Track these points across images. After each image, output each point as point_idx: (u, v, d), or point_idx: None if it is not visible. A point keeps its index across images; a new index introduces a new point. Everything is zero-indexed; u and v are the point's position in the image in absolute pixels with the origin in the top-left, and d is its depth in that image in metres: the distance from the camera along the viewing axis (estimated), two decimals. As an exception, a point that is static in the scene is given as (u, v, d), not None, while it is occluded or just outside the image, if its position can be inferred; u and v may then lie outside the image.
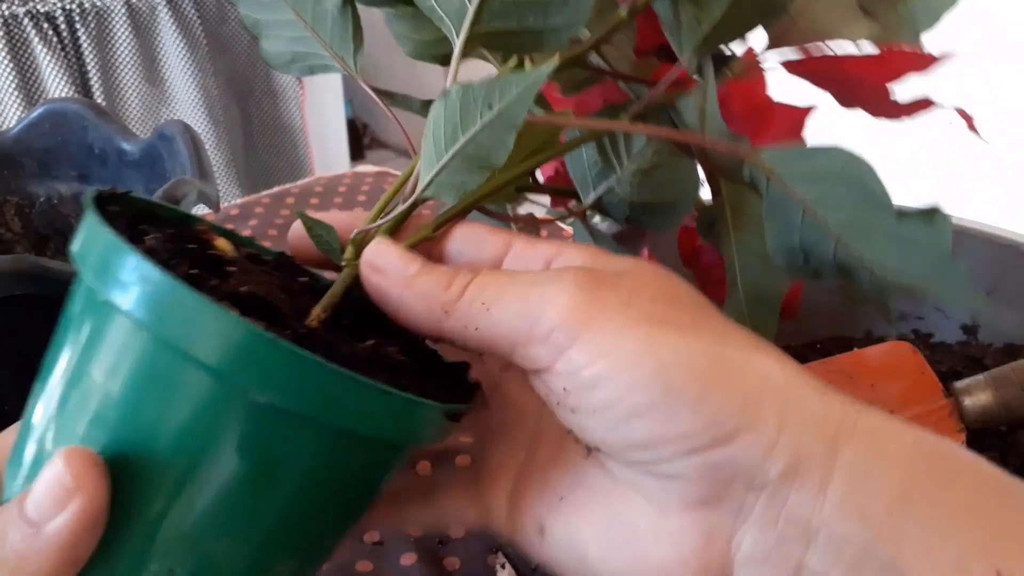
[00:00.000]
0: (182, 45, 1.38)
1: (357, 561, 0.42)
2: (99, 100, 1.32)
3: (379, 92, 0.30)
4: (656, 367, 0.20)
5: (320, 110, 1.71)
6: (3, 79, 1.24)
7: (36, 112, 0.48)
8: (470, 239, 0.25)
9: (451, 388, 0.25)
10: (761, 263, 0.28)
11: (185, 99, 1.40)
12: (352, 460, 0.22)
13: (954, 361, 0.50)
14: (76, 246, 0.22)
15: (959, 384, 0.42)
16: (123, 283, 0.20)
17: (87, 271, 0.21)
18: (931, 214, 0.22)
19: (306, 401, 0.20)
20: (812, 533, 0.19)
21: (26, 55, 1.26)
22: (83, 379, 0.21)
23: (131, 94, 1.36)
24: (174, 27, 1.36)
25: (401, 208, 0.25)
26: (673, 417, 0.20)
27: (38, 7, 1.25)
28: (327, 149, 1.76)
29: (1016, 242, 0.48)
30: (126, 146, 0.47)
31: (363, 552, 0.43)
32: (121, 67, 1.34)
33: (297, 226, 0.25)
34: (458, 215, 0.25)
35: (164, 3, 1.35)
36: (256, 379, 0.19)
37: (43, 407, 0.22)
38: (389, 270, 0.23)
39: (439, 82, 0.24)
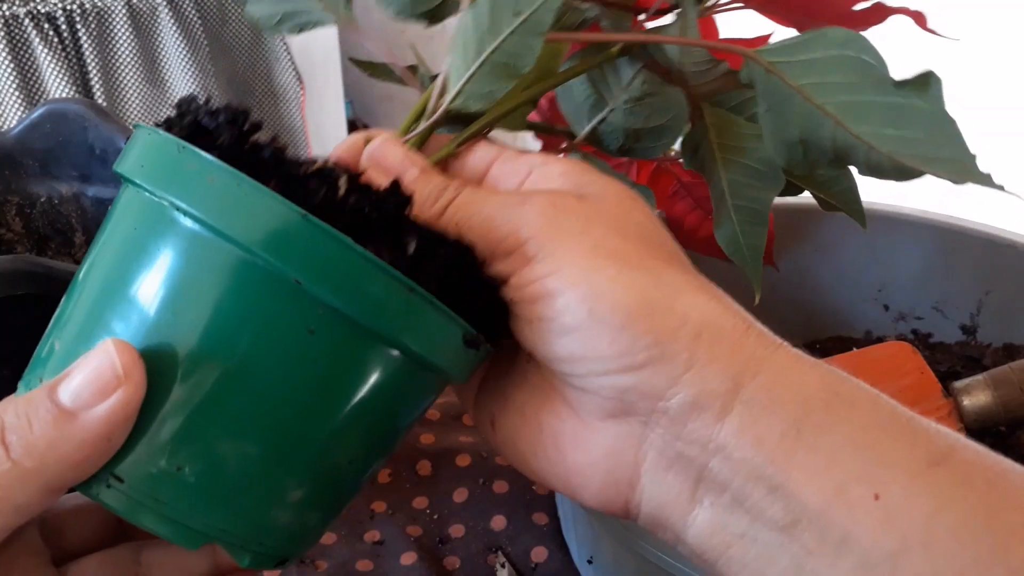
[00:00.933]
0: (183, 46, 1.37)
1: (357, 560, 0.42)
2: (100, 100, 1.32)
3: (359, 63, 0.32)
4: (588, 294, 0.22)
5: (320, 110, 1.71)
6: (4, 79, 1.24)
7: (37, 112, 0.48)
8: (479, 153, 0.27)
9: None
10: (748, 177, 0.31)
11: (186, 99, 1.40)
12: (372, 370, 0.23)
13: (953, 361, 0.50)
14: (127, 159, 0.23)
15: (958, 384, 0.42)
16: (187, 183, 0.21)
17: (143, 177, 0.22)
18: (924, 79, 0.24)
19: (338, 291, 0.21)
20: (710, 453, 0.22)
21: (27, 55, 1.26)
22: (125, 277, 0.22)
23: (132, 94, 1.36)
24: (175, 28, 1.36)
25: (424, 125, 0.27)
26: (594, 341, 0.22)
27: (39, 7, 1.25)
28: (327, 149, 1.75)
29: (1016, 242, 0.48)
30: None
31: (363, 551, 0.43)
32: (122, 67, 1.34)
33: (343, 145, 0.27)
34: (476, 134, 0.27)
35: (165, 4, 1.35)
36: (298, 264, 0.21)
37: (79, 305, 0.23)
38: (390, 169, 0.25)
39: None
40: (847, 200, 0.34)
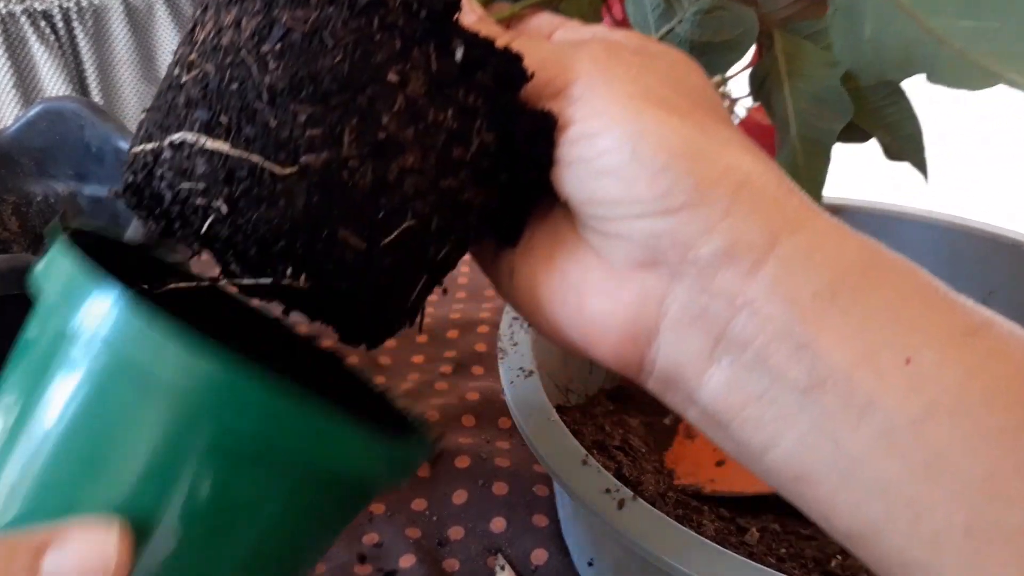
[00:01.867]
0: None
1: (355, 564, 0.42)
2: (96, 98, 1.31)
3: None
4: (632, 134, 0.22)
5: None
6: (0, 77, 1.23)
7: (33, 111, 0.48)
8: (543, 18, 0.28)
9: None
10: (814, 106, 0.30)
11: (183, 97, 1.40)
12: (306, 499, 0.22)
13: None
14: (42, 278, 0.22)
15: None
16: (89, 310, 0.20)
17: (53, 300, 0.21)
18: None
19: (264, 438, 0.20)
20: (736, 308, 0.21)
21: (23, 53, 1.25)
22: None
23: (128, 92, 1.36)
24: (171, 24, 1.36)
25: None
26: (633, 182, 0.22)
27: (35, 5, 1.24)
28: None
29: (1020, 241, 0.48)
30: (123, 145, 0.47)
31: (362, 554, 0.43)
32: (118, 65, 1.34)
33: None
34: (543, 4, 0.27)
35: (161, 1, 1.34)
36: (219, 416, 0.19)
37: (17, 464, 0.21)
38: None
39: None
40: (910, 147, 0.34)
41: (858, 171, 0.66)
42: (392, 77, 0.21)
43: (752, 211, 0.21)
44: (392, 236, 0.22)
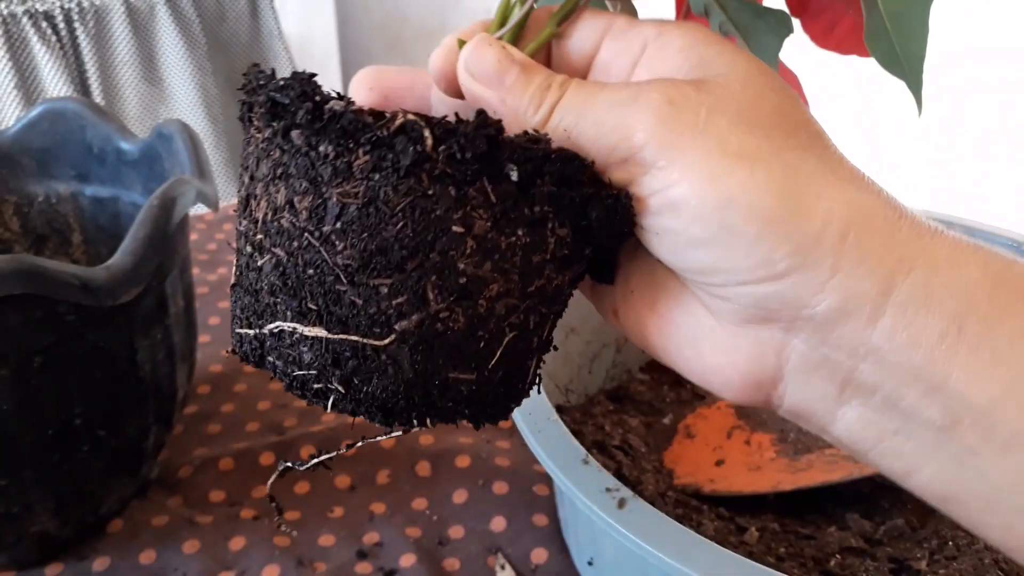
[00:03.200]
0: (181, 44, 1.37)
1: (356, 563, 0.42)
2: (98, 99, 1.31)
3: None
4: (718, 204, 0.20)
5: (319, 109, 1.70)
6: (2, 78, 1.23)
7: (34, 111, 0.48)
8: (585, 29, 0.25)
9: None
10: None
11: (184, 98, 1.40)
12: None
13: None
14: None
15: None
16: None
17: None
18: None
19: None
20: (860, 358, 0.20)
21: (25, 54, 1.25)
22: None
23: (130, 93, 1.36)
24: (173, 26, 1.36)
25: (519, 13, 0.25)
26: (729, 253, 0.21)
27: (37, 6, 1.24)
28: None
29: (1020, 241, 0.48)
30: (125, 145, 0.47)
31: (362, 553, 0.43)
32: (120, 66, 1.34)
33: (440, 52, 0.25)
34: (576, 7, 0.25)
35: (163, 2, 1.34)
36: None
37: None
38: (487, 77, 0.23)
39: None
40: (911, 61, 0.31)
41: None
42: (457, 228, 0.21)
43: (861, 260, 0.20)
44: (497, 356, 0.23)
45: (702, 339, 0.23)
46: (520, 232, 0.22)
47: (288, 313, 0.23)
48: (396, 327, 0.22)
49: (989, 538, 0.21)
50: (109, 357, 0.37)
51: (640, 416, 0.47)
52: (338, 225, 0.21)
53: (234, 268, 0.25)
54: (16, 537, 0.40)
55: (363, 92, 0.26)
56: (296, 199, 0.22)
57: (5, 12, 1.22)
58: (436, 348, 0.22)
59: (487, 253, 0.22)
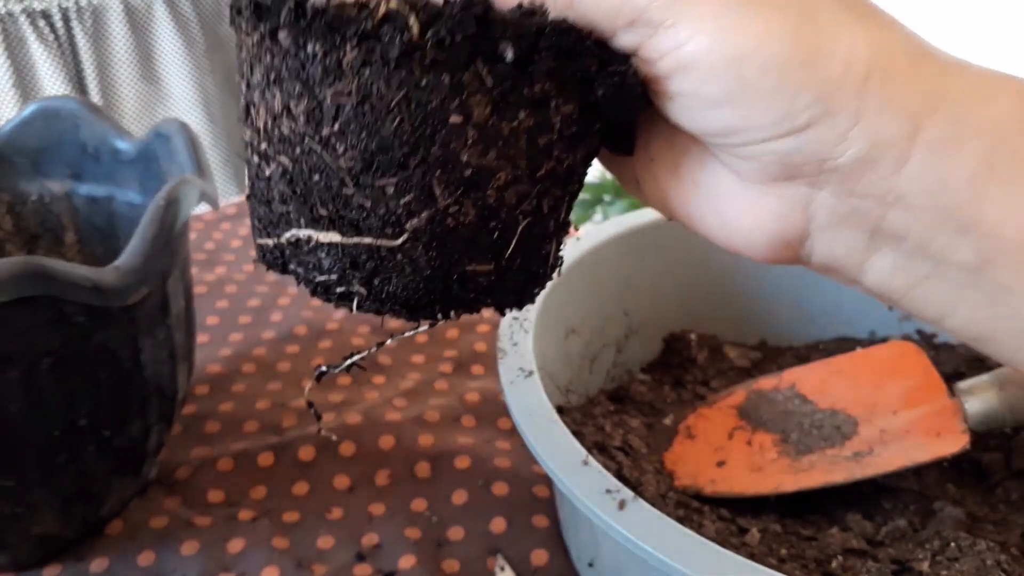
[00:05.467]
0: (179, 42, 1.37)
1: (355, 564, 0.42)
2: (95, 98, 1.31)
3: None
4: (732, 58, 0.19)
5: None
6: (-1, 77, 1.23)
7: (28, 110, 0.47)
8: None
9: None
10: None
11: (182, 96, 1.39)
12: None
13: (957, 362, 0.49)
14: None
15: (962, 385, 0.41)
16: None
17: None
18: None
19: None
20: (888, 205, 0.20)
21: (22, 53, 1.25)
22: None
23: (128, 92, 1.35)
24: (171, 24, 1.36)
25: None
26: (747, 110, 0.20)
27: (34, 5, 1.24)
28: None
29: (1020, 241, 0.47)
30: (121, 144, 0.46)
31: (361, 555, 0.42)
32: (117, 65, 1.34)
33: None
34: None
35: (161, 0, 1.34)
36: None
37: None
38: None
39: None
40: None
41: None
42: (455, 119, 0.21)
43: (885, 104, 0.19)
44: (513, 244, 0.23)
45: (727, 201, 0.22)
46: (522, 115, 0.21)
47: (301, 220, 0.22)
48: (407, 226, 0.21)
49: None
50: (115, 357, 0.37)
51: (641, 417, 0.47)
52: (336, 127, 0.21)
53: (247, 183, 0.24)
54: (18, 538, 0.40)
55: None
56: (292, 104, 0.21)
57: (2, 11, 1.22)
58: (450, 243, 0.22)
59: (490, 141, 0.21)
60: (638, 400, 0.48)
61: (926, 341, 0.52)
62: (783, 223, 0.22)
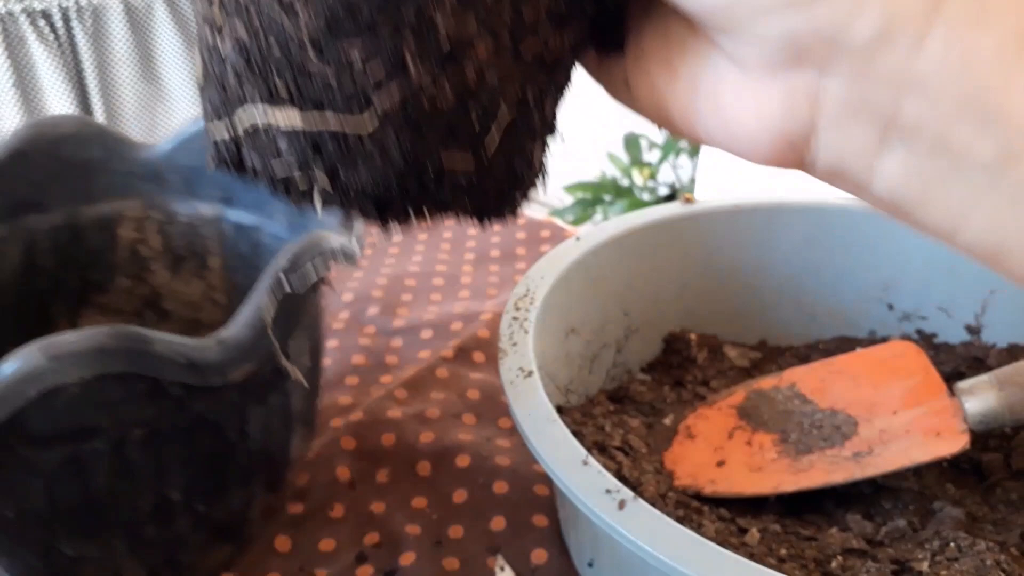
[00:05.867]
0: (179, 42, 1.37)
1: (357, 567, 0.42)
2: (95, 97, 1.31)
3: None
4: None
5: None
6: (-1, 76, 1.23)
7: (190, 129, 0.46)
8: None
9: None
10: None
11: (182, 96, 1.39)
12: None
13: (957, 362, 0.49)
14: None
15: (962, 384, 0.42)
16: None
17: None
18: None
19: None
20: (904, 89, 0.18)
21: (22, 53, 1.25)
22: None
23: (127, 91, 1.35)
24: (171, 24, 1.36)
25: None
26: None
27: (34, 4, 1.24)
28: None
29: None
30: None
31: (361, 555, 0.43)
32: (117, 64, 1.34)
33: None
34: None
35: (161, 0, 1.34)
36: None
37: None
38: None
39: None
40: None
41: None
42: None
43: None
44: (496, 136, 0.21)
45: (727, 97, 0.21)
46: None
47: (258, 97, 0.20)
48: (375, 103, 0.19)
49: None
50: (216, 428, 0.34)
51: (640, 417, 0.47)
52: None
53: (199, 65, 0.22)
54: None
55: None
56: None
57: (3, 10, 1.22)
58: (424, 127, 0.20)
59: (469, 5, 0.19)
60: (638, 400, 0.48)
61: (926, 341, 0.52)
62: (788, 118, 0.20)
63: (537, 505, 0.45)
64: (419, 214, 0.21)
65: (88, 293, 0.49)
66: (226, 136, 0.21)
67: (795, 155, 0.21)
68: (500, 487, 0.46)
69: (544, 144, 0.23)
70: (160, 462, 0.33)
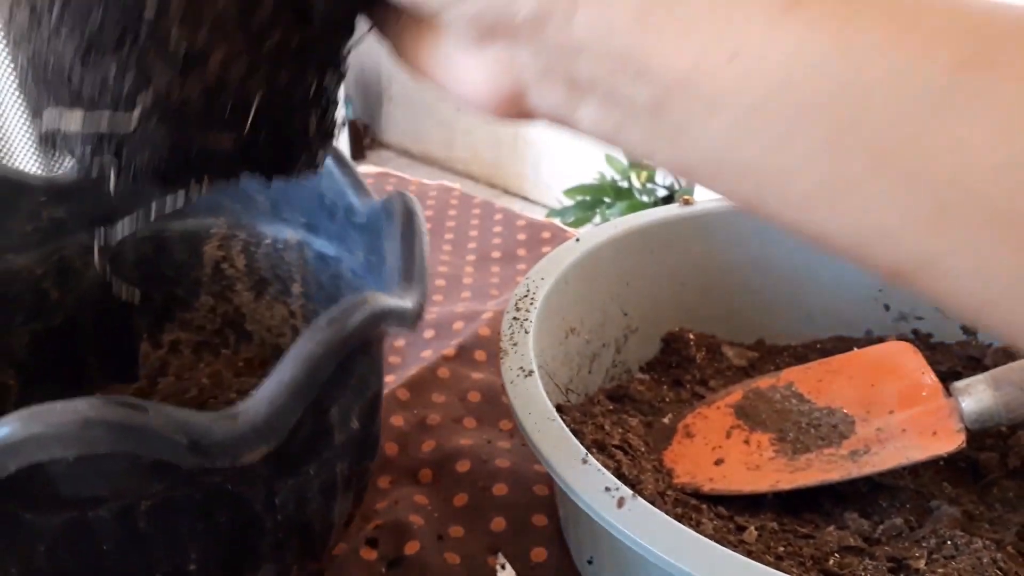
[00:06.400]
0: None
1: (363, 547, 0.42)
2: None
3: None
4: None
5: (318, 109, 1.70)
6: (1, 76, 1.23)
7: None
8: None
9: None
10: None
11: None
12: None
13: (954, 361, 0.50)
14: None
15: (959, 384, 0.42)
16: None
17: None
18: None
19: None
20: (572, 55, 0.22)
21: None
22: None
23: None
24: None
25: None
26: None
27: (36, 6, 1.24)
28: (325, 148, 1.75)
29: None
30: (355, 203, 0.40)
31: (369, 538, 0.43)
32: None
33: None
34: None
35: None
36: None
37: None
38: None
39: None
40: None
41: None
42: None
43: None
44: (251, 116, 0.24)
45: (454, 61, 0.25)
46: None
47: (52, 100, 0.24)
48: (139, 103, 0.23)
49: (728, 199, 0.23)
50: (237, 500, 0.30)
51: (640, 416, 0.47)
52: (56, 13, 0.23)
53: (17, 76, 0.26)
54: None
55: None
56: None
57: (4, 12, 1.22)
58: (181, 117, 0.23)
59: (196, 12, 0.22)
60: (637, 399, 0.49)
61: (922, 341, 0.52)
62: (499, 83, 0.24)
63: (537, 505, 0.45)
64: (200, 182, 0.25)
65: (172, 308, 0.48)
66: (42, 131, 0.25)
67: (520, 109, 0.25)
68: (500, 488, 0.46)
69: (324, 112, 0.26)
70: (174, 533, 0.29)
